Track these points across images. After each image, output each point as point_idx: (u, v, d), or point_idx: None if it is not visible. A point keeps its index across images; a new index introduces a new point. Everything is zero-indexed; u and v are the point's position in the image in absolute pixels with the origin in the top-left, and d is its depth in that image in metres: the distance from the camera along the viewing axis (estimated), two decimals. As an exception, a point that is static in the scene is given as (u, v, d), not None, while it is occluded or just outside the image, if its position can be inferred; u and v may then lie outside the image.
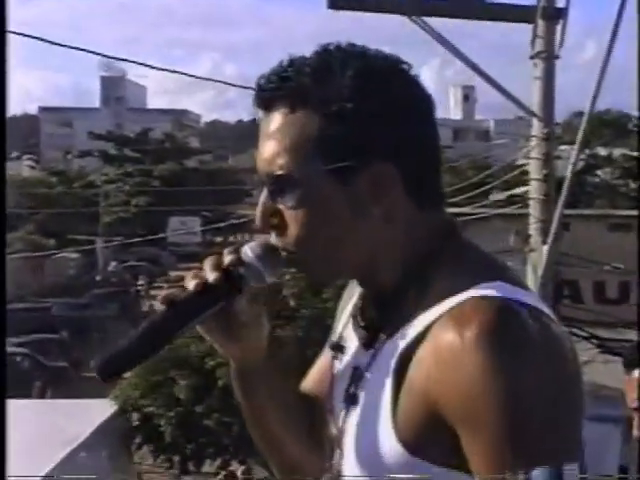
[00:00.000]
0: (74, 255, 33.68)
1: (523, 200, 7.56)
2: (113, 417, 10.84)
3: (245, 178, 78.54)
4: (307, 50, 1.09)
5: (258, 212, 1.11)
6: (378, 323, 1.09)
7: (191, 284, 1.10)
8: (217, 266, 1.12)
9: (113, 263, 35.97)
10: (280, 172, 1.09)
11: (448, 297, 1.02)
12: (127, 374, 1.56)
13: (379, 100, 1.05)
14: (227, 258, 1.13)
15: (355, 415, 1.09)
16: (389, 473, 1.02)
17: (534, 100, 7.14)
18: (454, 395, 0.97)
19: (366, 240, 1.08)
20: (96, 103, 74.70)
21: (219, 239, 43.31)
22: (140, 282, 33.41)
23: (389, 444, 1.02)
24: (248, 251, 1.12)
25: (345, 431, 1.10)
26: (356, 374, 1.10)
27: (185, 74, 8.63)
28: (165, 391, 12.50)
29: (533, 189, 7.10)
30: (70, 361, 20.50)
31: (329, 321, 1.24)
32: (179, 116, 70.05)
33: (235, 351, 1.20)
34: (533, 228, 7.04)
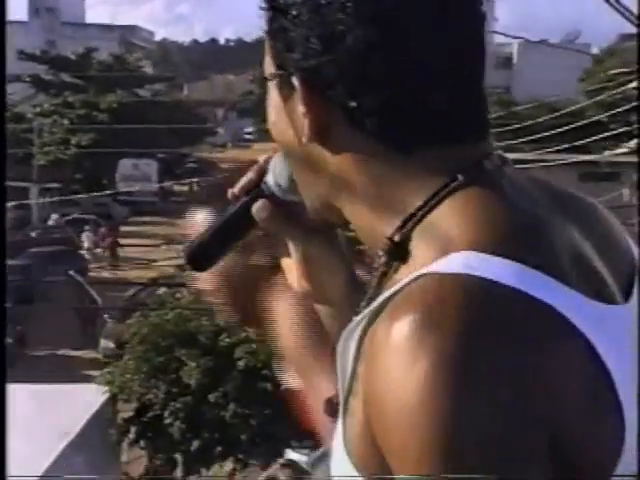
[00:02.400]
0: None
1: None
2: (102, 408, 10.82)
3: (206, 112, 78.52)
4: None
5: None
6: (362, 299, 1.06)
7: (236, 186, 1.23)
8: (254, 171, 1.23)
9: (54, 216, 35.73)
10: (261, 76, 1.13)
11: (411, 270, 0.96)
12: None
13: None
14: (249, 175, 1.23)
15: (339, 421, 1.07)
16: None
17: None
18: (373, 406, 0.92)
19: (322, 171, 1.07)
20: (23, 15, 73.92)
21: (181, 187, 43.07)
22: (85, 239, 33.24)
23: (343, 463, 1.00)
24: (271, 166, 1.21)
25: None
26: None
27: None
28: (169, 375, 12.39)
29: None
30: (13, 336, 20.37)
31: None
32: (127, 34, 69.36)
33: (299, 281, 1.24)
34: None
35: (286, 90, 1.06)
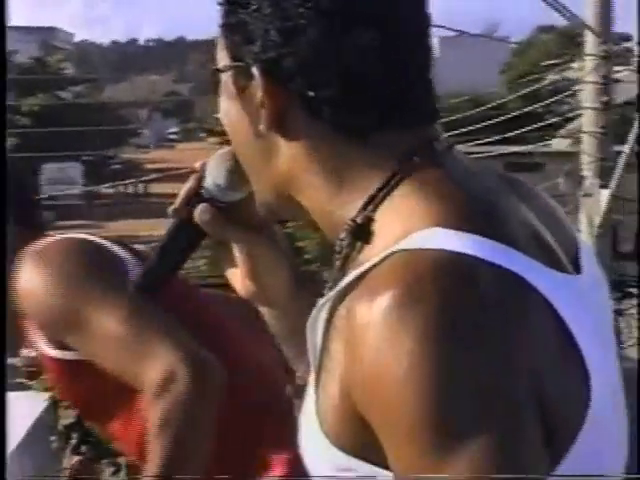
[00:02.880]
0: None
1: (573, 135, 7.59)
2: (43, 415, 10.59)
3: (129, 114, 77.74)
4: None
5: None
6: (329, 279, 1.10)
7: (177, 198, 1.26)
8: (193, 179, 1.25)
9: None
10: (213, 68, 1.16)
11: (381, 250, 0.99)
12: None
13: None
14: (187, 185, 1.25)
15: (305, 400, 1.12)
16: (314, 464, 1.04)
17: (587, 11, 7.11)
18: (359, 381, 0.95)
19: (276, 167, 1.11)
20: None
21: (107, 190, 42.68)
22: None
23: (313, 429, 1.03)
24: (207, 166, 1.24)
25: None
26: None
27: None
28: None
29: (587, 121, 7.11)
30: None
31: None
32: (47, 36, 68.41)
33: (243, 285, 1.27)
34: (587, 168, 7.07)
35: (242, 81, 1.10)
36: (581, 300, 1.02)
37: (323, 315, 1.03)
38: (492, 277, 0.94)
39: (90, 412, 2.20)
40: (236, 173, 1.20)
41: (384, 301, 0.92)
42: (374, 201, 1.05)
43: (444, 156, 1.08)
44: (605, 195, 6.90)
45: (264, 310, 1.31)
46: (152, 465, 1.85)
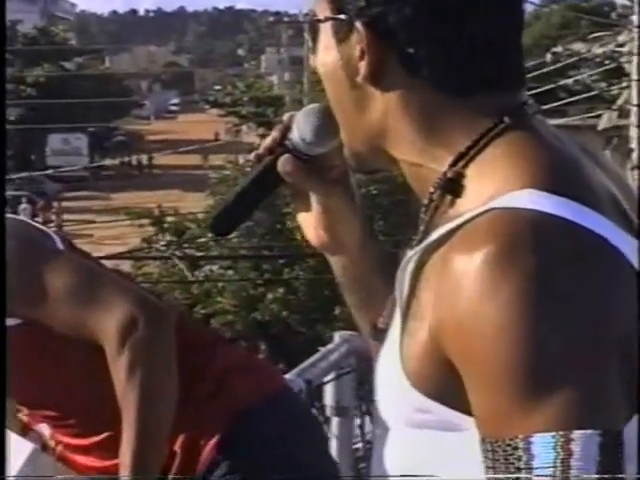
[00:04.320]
0: None
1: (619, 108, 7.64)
2: None
3: (131, 85, 77.43)
4: None
5: None
6: (416, 234, 1.13)
7: (261, 146, 1.29)
8: (278, 129, 1.28)
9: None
10: (311, 19, 1.18)
11: (473, 206, 1.02)
12: None
13: None
14: (272, 135, 1.29)
15: (385, 344, 1.14)
16: (403, 413, 1.06)
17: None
18: (454, 327, 0.97)
19: (370, 119, 1.13)
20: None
21: (111, 161, 42.69)
22: (24, 215, 32.64)
23: (395, 371, 1.05)
24: (295, 121, 1.27)
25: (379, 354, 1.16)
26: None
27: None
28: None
29: (636, 93, 7.16)
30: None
31: None
32: (49, 5, 68.05)
33: (318, 237, 1.32)
34: (636, 141, 7.12)
35: (342, 33, 1.12)
36: None
37: (411, 265, 1.06)
38: (585, 239, 0.96)
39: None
40: (322, 129, 1.24)
41: (484, 254, 0.94)
42: (464, 158, 1.07)
43: (533, 120, 1.10)
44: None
45: (333, 259, 1.36)
46: (132, 408, 1.87)
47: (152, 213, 20.08)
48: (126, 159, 43.98)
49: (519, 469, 0.91)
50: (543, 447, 0.90)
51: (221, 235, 1.36)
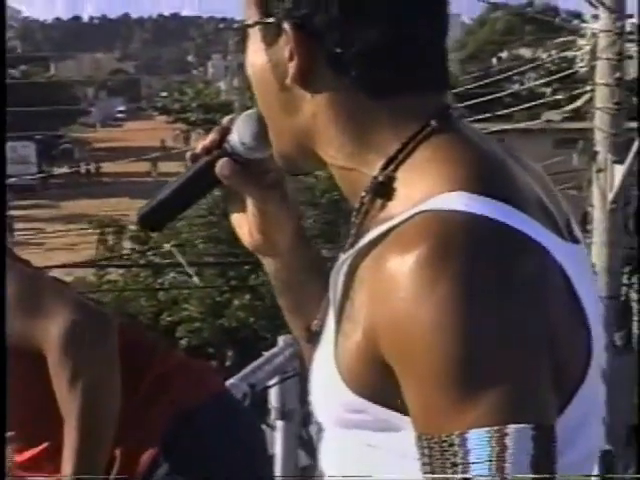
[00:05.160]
0: None
1: (585, 111, 7.81)
2: None
3: (76, 92, 76.60)
4: None
5: None
6: (346, 237, 1.14)
7: (198, 146, 1.30)
8: (217, 131, 1.30)
9: None
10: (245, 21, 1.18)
11: (404, 208, 1.03)
12: None
13: None
14: (210, 136, 1.30)
15: (318, 349, 1.16)
16: (337, 414, 1.08)
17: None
18: (388, 327, 0.98)
19: (298, 121, 1.14)
20: None
21: (59, 169, 42.33)
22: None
23: (329, 372, 1.07)
24: (235, 125, 1.28)
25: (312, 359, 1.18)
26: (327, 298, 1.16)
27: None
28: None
29: (600, 96, 7.32)
30: None
31: None
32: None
33: (252, 240, 1.33)
34: (601, 144, 7.28)
35: (270, 36, 1.12)
36: (581, 268, 1.07)
37: (344, 268, 1.07)
38: (515, 240, 0.99)
39: None
40: (262, 134, 1.23)
41: (416, 255, 0.96)
42: (394, 161, 1.08)
43: (459, 123, 1.11)
44: (619, 170, 7.08)
45: (266, 262, 1.36)
46: (74, 413, 1.89)
47: (116, 221, 19.96)
48: (75, 167, 43.63)
49: (455, 464, 0.93)
50: (478, 442, 0.92)
51: (150, 230, 1.35)
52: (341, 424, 1.08)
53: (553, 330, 0.98)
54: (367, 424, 1.05)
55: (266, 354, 4.45)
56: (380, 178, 1.08)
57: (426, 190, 1.03)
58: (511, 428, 0.91)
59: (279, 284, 1.38)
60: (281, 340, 4.52)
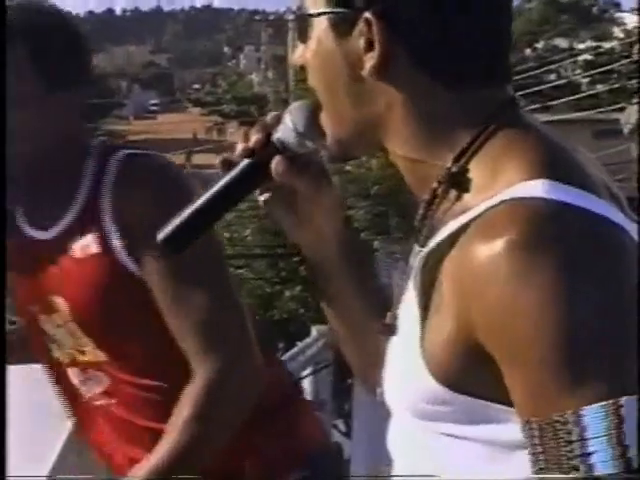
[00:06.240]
0: None
1: None
2: None
3: (111, 84, 77.13)
4: None
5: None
6: (419, 229, 1.13)
7: (238, 149, 1.24)
8: (260, 130, 1.24)
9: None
10: (305, 13, 1.16)
11: (483, 197, 1.03)
12: None
13: None
14: (253, 137, 1.24)
15: (394, 341, 1.16)
16: (424, 410, 1.07)
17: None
18: (487, 316, 0.98)
19: (369, 111, 1.13)
20: None
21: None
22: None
23: (419, 374, 1.06)
24: (287, 115, 1.24)
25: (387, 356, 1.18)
26: (399, 291, 1.16)
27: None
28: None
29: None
30: None
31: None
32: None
33: (303, 234, 1.31)
34: None
35: (344, 25, 1.11)
36: None
37: (427, 262, 1.07)
38: (598, 224, 1.00)
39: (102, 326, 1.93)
40: (314, 121, 1.21)
41: (509, 241, 0.96)
42: (467, 153, 1.08)
43: (524, 114, 1.13)
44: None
45: (312, 253, 1.33)
46: (185, 420, 1.79)
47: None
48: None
49: (570, 442, 0.93)
50: (594, 418, 0.93)
51: (173, 252, 1.25)
52: (417, 414, 1.08)
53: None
54: (447, 416, 1.05)
55: (300, 344, 4.43)
56: (454, 169, 1.08)
57: (505, 180, 1.02)
58: (625, 399, 0.92)
59: (324, 275, 1.34)
60: (315, 330, 4.49)
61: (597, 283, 0.96)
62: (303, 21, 1.17)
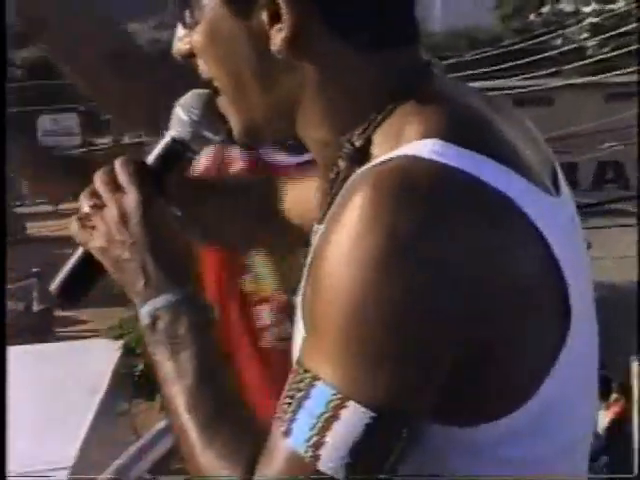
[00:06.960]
0: None
1: None
2: (120, 362, 10.21)
3: (115, 62, 76.50)
4: None
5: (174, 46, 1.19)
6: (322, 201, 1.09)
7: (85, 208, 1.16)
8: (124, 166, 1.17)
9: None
10: None
11: (374, 160, 0.98)
12: None
13: None
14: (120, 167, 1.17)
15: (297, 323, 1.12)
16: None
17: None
18: (312, 268, 0.97)
19: (280, 92, 1.05)
20: None
21: (102, 140, 42.54)
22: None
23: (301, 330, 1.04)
24: (178, 109, 1.19)
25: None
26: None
27: None
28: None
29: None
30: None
31: None
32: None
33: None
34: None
35: (244, 8, 1.02)
36: (562, 219, 1.01)
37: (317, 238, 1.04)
38: (480, 198, 0.93)
39: None
40: (211, 110, 1.15)
41: (360, 199, 0.92)
42: (373, 123, 1.02)
43: (439, 78, 1.07)
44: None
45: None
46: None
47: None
48: (118, 138, 43.88)
49: (292, 398, 0.93)
50: (320, 395, 0.90)
51: (71, 302, 1.18)
52: None
53: (482, 317, 0.92)
54: None
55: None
56: (357, 143, 1.02)
57: (395, 144, 0.98)
58: (352, 404, 0.89)
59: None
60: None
61: (424, 273, 0.89)
62: (186, 2, 1.08)
